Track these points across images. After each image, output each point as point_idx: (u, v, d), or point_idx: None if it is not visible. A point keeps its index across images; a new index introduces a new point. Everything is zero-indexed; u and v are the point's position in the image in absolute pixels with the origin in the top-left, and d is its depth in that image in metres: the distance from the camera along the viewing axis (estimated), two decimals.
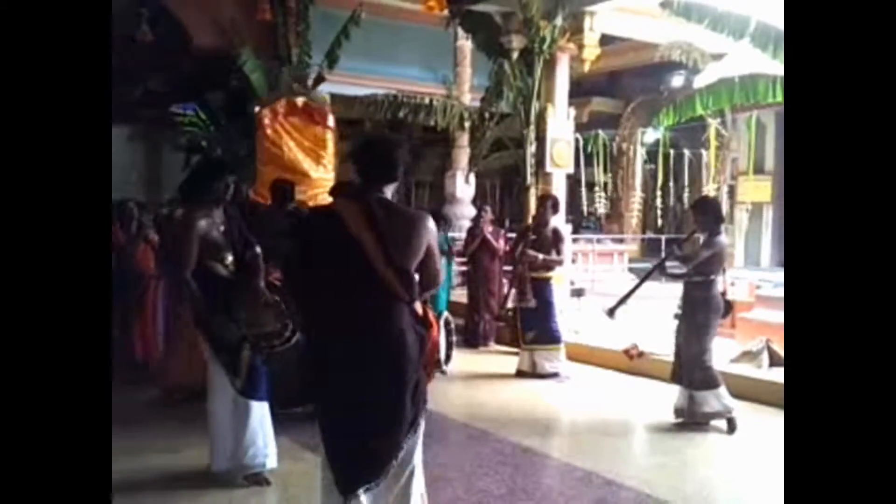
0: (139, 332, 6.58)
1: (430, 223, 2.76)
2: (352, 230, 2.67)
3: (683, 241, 5.53)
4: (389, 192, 2.83)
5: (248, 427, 3.92)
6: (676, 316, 5.53)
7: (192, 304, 3.96)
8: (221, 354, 3.91)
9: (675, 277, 5.47)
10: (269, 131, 6.95)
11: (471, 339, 8.28)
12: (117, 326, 6.45)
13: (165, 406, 5.45)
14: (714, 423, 5.27)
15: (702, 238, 5.27)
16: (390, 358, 2.71)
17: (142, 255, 6.66)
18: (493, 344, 8.38)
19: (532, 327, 6.80)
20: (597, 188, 12.29)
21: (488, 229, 8.42)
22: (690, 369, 5.21)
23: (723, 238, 5.27)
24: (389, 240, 2.66)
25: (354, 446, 2.73)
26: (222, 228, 3.96)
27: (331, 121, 7.03)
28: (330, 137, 6.77)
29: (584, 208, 12.86)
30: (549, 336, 6.82)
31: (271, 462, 4.01)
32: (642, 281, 5.60)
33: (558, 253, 6.81)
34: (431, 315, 2.89)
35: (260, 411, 3.97)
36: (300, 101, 7.05)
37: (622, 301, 5.49)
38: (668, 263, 5.46)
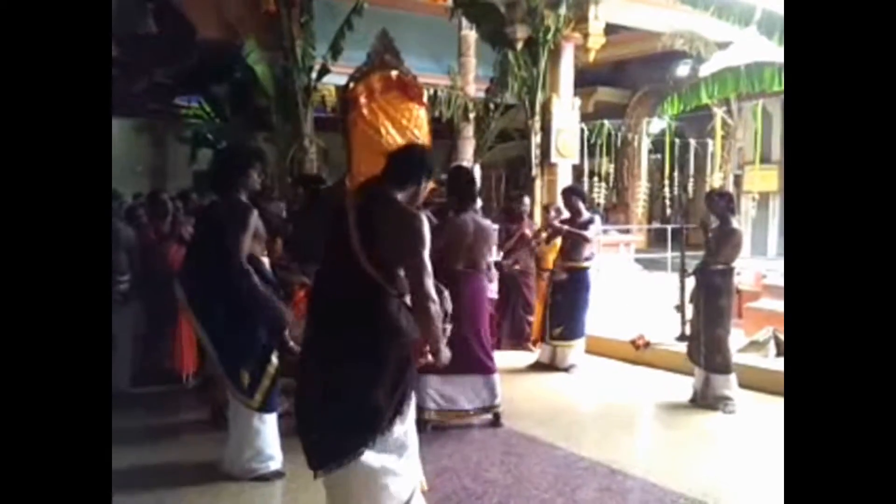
0: (176, 344, 5.84)
1: (420, 225, 2.72)
2: (347, 223, 2.75)
3: (711, 227, 5.63)
4: (402, 194, 2.85)
5: (261, 436, 3.95)
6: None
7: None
8: (243, 371, 3.85)
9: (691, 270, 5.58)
10: (365, 111, 5.84)
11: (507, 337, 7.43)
12: (150, 336, 6.05)
13: (216, 428, 4.67)
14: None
15: (713, 226, 5.43)
16: (370, 346, 2.73)
17: (175, 255, 5.85)
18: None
19: (560, 322, 6.64)
20: (595, 178, 12.24)
21: (525, 224, 7.56)
22: (712, 353, 5.39)
23: (738, 226, 5.47)
24: (377, 237, 2.71)
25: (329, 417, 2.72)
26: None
27: (425, 97, 6.14)
28: (424, 116, 5.84)
29: (592, 198, 12.80)
30: (576, 331, 6.66)
31: (276, 465, 4.02)
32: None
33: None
34: None
35: (272, 420, 4.00)
36: (394, 74, 5.99)
37: None
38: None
